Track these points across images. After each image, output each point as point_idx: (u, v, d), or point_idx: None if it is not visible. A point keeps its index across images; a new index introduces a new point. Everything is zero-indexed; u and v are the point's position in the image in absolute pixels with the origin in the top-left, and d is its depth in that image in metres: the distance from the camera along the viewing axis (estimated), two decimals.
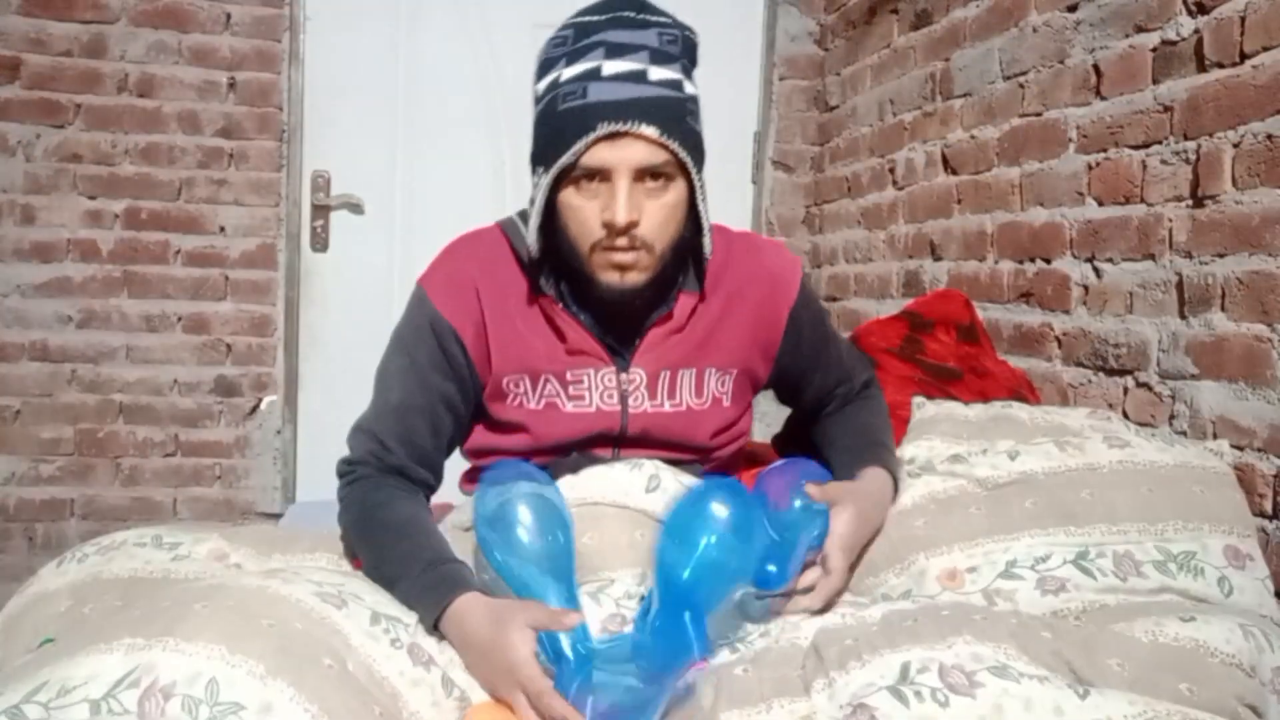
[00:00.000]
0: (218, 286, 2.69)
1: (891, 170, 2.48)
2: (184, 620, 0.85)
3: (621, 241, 1.09)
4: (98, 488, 2.64)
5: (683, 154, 1.08)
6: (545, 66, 1.14)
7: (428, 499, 1.21)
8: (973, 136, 2.10)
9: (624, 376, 1.21)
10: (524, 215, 1.20)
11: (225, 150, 2.66)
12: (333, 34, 2.72)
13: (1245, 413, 1.37)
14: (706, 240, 1.17)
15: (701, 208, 1.14)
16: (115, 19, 2.58)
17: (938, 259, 2.24)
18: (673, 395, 1.23)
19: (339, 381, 2.74)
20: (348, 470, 1.19)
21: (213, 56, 2.64)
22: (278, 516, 2.63)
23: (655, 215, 1.09)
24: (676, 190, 1.10)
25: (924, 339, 1.80)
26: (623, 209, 1.06)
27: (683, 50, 1.13)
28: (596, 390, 1.21)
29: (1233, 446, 1.38)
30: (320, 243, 2.76)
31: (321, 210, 2.74)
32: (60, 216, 2.57)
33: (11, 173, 2.54)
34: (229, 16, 2.65)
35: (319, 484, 2.73)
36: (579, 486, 1.15)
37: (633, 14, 1.12)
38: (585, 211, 1.10)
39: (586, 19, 1.12)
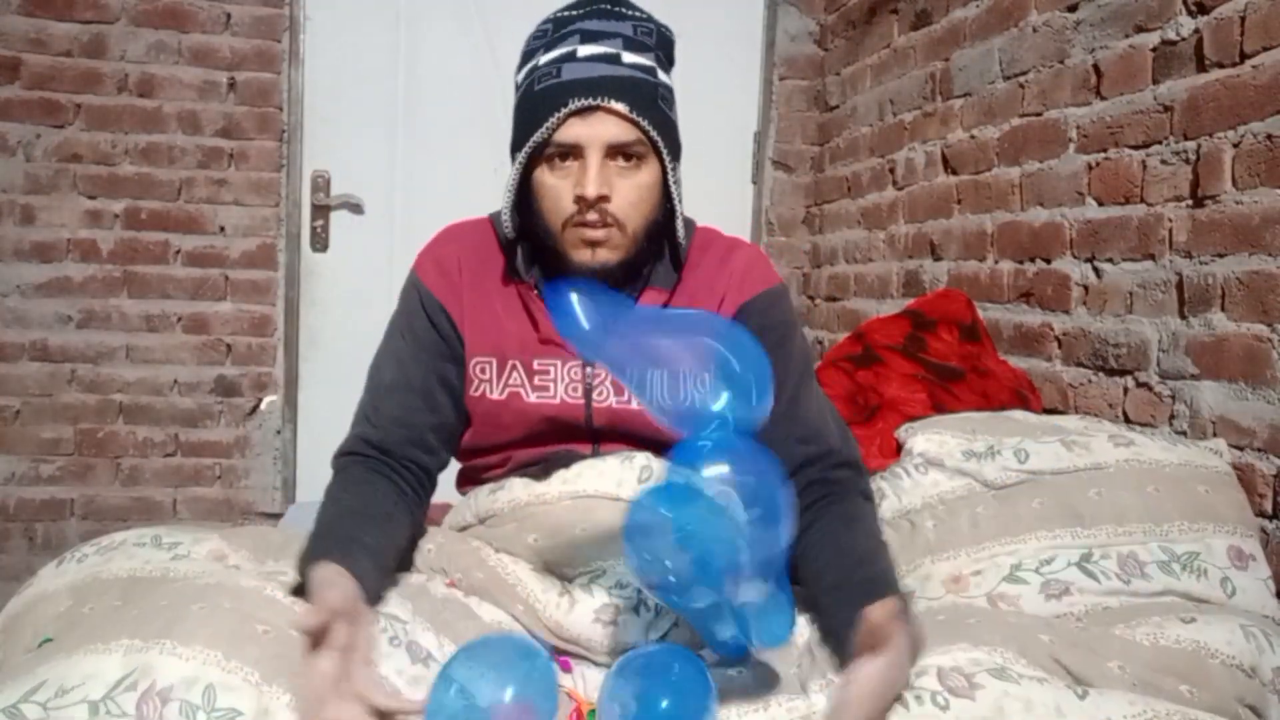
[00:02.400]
0: (218, 286, 2.69)
1: (891, 170, 2.48)
2: (181, 621, 0.84)
3: (593, 216, 1.10)
4: (98, 488, 2.64)
5: (654, 133, 1.10)
6: (525, 58, 1.17)
7: (422, 484, 1.18)
8: (973, 136, 2.10)
9: (589, 370, 1.19)
10: None
11: (225, 150, 2.66)
12: (333, 34, 2.72)
13: (1245, 413, 1.37)
14: (679, 225, 1.17)
15: (674, 192, 1.15)
16: (115, 19, 2.58)
17: (938, 259, 2.24)
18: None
19: (339, 381, 2.72)
20: (335, 463, 1.19)
21: (213, 56, 2.64)
22: (278, 516, 2.63)
23: (627, 193, 1.11)
24: (649, 171, 1.12)
25: (927, 338, 1.81)
26: (593, 182, 1.08)
27: (657, 43, 1.15)
28: (561, 382, 1.20)
29: (1233, 447, 1.38)
30: (320, 243, 2.76)
31: (321, 210, 2.74)
32: (60, 216, 2.57)
33: (11, 173, 2.54)
34: (229, 16, 2.65)
35: (319, 484, 2.69)
36: (571, 481, 1.15)
37: (609, 6, 1.15)
38: (558, 189, 1.11)
39: (565, 13, 1.15)
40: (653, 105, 1.11)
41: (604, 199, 1.09)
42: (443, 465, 1.23)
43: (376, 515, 1.09)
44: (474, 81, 2.77)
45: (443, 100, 2.77)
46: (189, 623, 0.84)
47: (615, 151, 1.10)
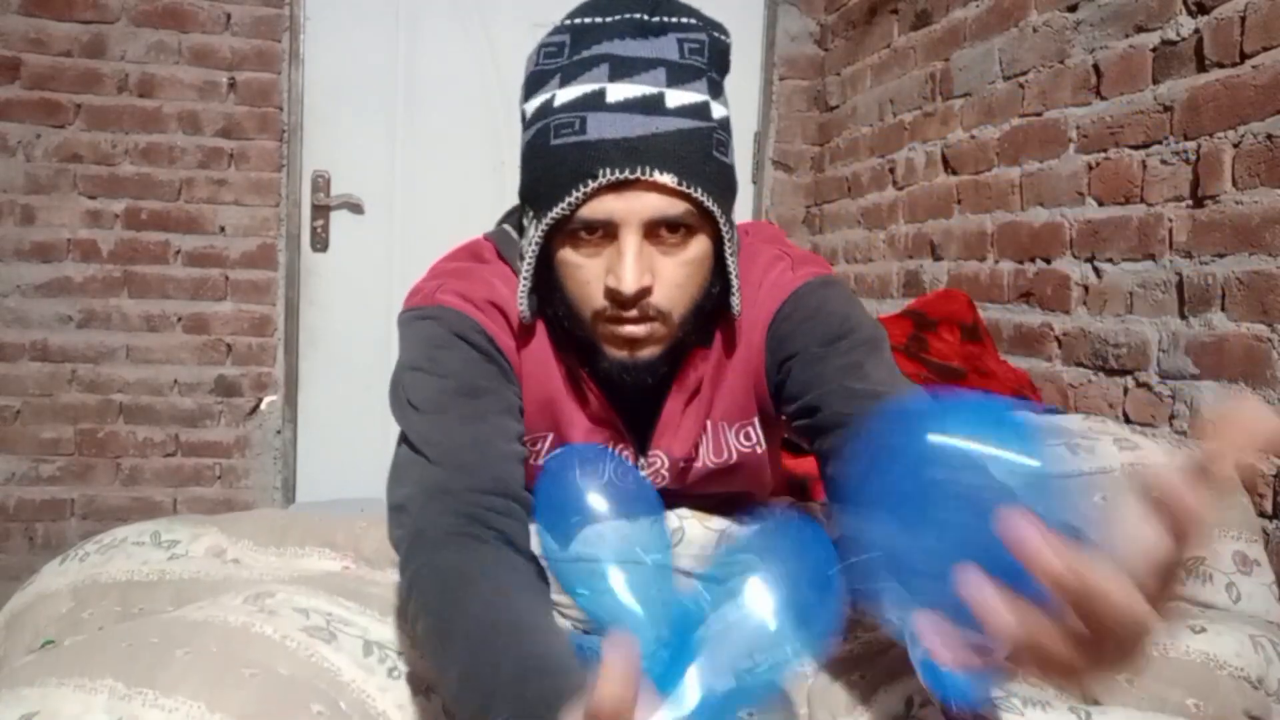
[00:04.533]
0: (218, 286, 2.69)
1: (891, 170, 2.48)
2: (166, 668, 0.82)
3: (631, 312, 0.88)
4: (98, 488, 2.64)
5: (708, 202, 0.88)
6: (535, 82, 0.92)
7: (519, 538, 0.87)
8: (973, 136, 2.10)
9: (643, 460, 1.03)
10: (517, 224, 0.99)
11: (225, 150, 2.66)
12: (333, 34, 2.72)
13: None
14: (734, 299, 0.95)
15: (730, 262, 0.93)
16: (115, 19, 2.58)
17: (938, 259, 2.24)
18: (693, 470, 1.05)
19: (339, 381, 2.74)
20: (409, 535, 0.84)
21: (213, 56, 2.64)
22: None
23: (671, 277, 0.88)
24: (699, 244, 0.90)
25: (928, 338, 1.81)
26: (630, 274, 0.85)
27: (710, 59, 0.92)
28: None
29: None
30: (320, 243, 2.76)
31: (321, 210, 2.74)
32: (60, 216, 2.57)
33: (11, 173, 2.54)
34: (229, 16, 2.65)
35: (319, 484, 2.73)
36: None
37: (645, 15, 0.89)
38: (586, 271, 0.89)
39: (587, 20, 0.90)
40: (706, 164, 0.88)
41: (645, 292, 0.87)
42: (528, 504, 0.91)
43: (520, 605, 0.77)
44: (474, 81, 2.77)
45: (443, 100, 2.77)
46: (174, 669, 0.82)
47: (658, 225, 0.87)
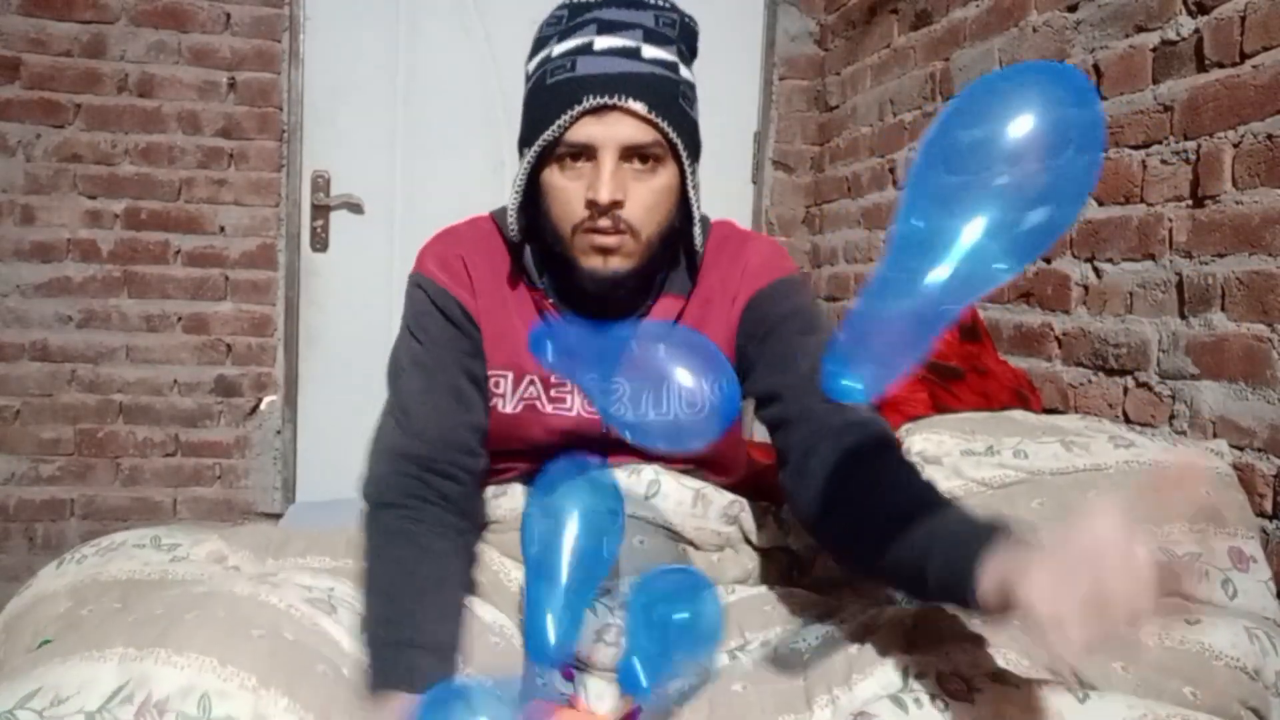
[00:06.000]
0: (218, 286, 2.69)
1: (891, 170, 2.47)
2: (175, 630, 0.84)
3: (605, 223, 1.03)
4: (98, 488, 2.64)
5: (673, 134, 1.03)
6: (537, 46, 1.10)
7: (469, 495, 1.10)
8: None
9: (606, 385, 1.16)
10: None
11: (225, 150, 2.66)
12: (333, 34, 2.72)
13: (1245, 413, 1.37)
14: (696, 231, 1.12)
15: (693, 196, 1.09)
16: (115, 19, 2.58)
17: None
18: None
19: (339, 381, 2.74)
20: (371, 491, 1.08)
21: (213, 56, 2.64)
22: (278, 516, 2.63)
23: (642, 198, 1.04)
24: (666, 175, 1.05)
25: None
26: (606, 186, 1.01)
27: (680, 35, 1.09)
28: (579, 395, 1.15)
29: (1233, 446, 1.38)
30: (320, 243, 2.76)
31: (321, 210, 2.74)
32: (60, 216, 2.57)
33: (11, 173, 2.54)
34: (229, 16, 2.64)
35: (319, 484, 2.73)
36: None
37: None
38: (568, 191, 1.04)
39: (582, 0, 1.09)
40: (673, 104, 1.04)
41: (617, 204, 1.03)
42: (485, 467, 1.13)
43: (430, 586, 0.98)
44: (474, 81, 2.77)
45: (443, 100, 2.77)
46: (183, 631, 0.84)
47: (631, 153, 1.03)
